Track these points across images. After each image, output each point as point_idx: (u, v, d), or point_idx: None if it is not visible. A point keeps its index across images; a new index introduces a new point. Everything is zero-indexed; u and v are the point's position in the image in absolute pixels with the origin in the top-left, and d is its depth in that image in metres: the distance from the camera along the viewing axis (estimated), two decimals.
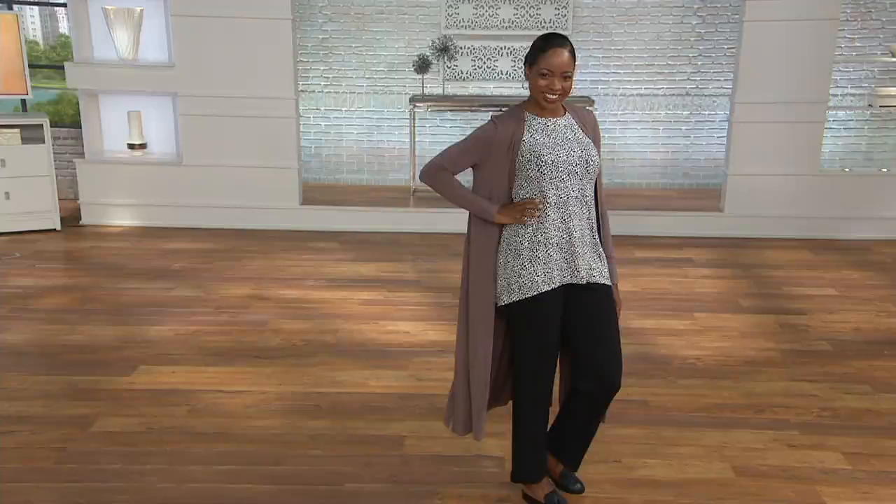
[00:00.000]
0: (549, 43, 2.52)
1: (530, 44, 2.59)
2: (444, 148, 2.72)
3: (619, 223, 6.22)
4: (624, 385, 3.73)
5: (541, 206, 2.57)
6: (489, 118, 2.65)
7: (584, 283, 2.62)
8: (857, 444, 3.25)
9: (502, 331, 2.73)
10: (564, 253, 2.60)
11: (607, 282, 2.67)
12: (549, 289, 2.58)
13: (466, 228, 2.73)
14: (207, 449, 3.19)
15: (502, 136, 2.57)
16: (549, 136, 2.58)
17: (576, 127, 2.64)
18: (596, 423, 2.81)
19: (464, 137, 2.68)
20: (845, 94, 7.09)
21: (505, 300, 2.64)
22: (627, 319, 4.54)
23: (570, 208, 2.58)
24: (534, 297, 2.59)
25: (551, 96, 2.54)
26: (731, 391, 3.71)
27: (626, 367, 3.91)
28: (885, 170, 6.82)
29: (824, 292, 5.07)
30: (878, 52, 6.92)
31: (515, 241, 2.61)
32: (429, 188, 2.77)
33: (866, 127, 7.26)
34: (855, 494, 2.91)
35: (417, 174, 6.92)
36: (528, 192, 2.59)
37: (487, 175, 2.62)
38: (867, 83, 7.08)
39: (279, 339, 4.28)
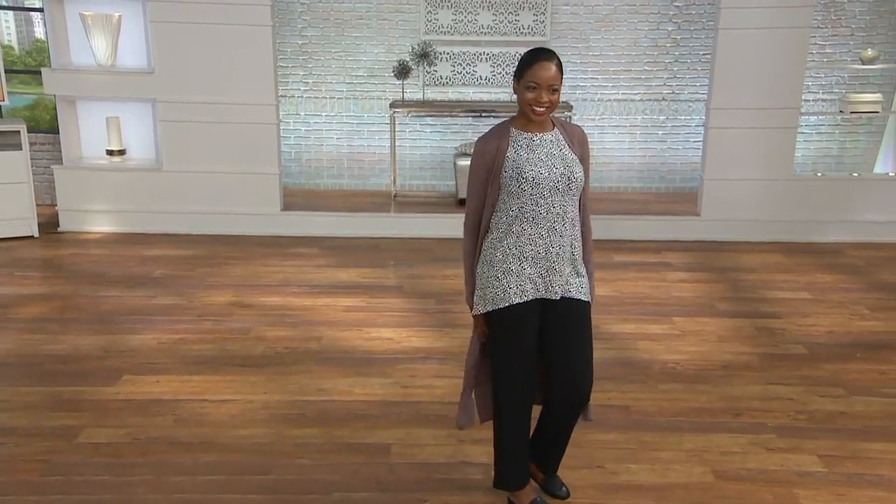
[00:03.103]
0: (536, 57, 2.57)
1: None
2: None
3: (598, 227, 6.25)
4: (605, 390, 3.83)
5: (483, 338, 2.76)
6: (476, 141, 2.72)
7: (558, 298, 2.66)
8: (831, 446, 3.34)
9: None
10: (539, 268, 2.64)
11: (584, 298, 2.71)
12: (520, 301, 2.63)
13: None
14: (194, 459, 3.20)
15: (489, 153, 2.62)
16: (532, 152, 2.62)
17: (563, 142, 2.67)
18: (568, 433, 2.88)
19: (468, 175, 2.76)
20: (817, 100, 7.23)
21: (480, 310, 2.71)
22: (608, 324, 4.63)
23: (550, 224, 2.62)
24: (506, 308, 2.64)
25: (539, 109, 2.58)
26: (710, 395, 3.79)
27: (608, 371, 4.03)
28: (855, 174, 6.97)
29: (798, 296, 5.18)
30: (848, 59, 7.07)
31: (490, 253, 2.67)
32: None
33: (837, 132, 7.41)
34: (830, 496, 3.00)
35: (398, 178, 7.02)
36: (507, 207, 2.63)
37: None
38: (838, 89, 7.22)
39: (263, 346, 4.30)
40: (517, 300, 2.63)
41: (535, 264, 2.64)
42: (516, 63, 2.66)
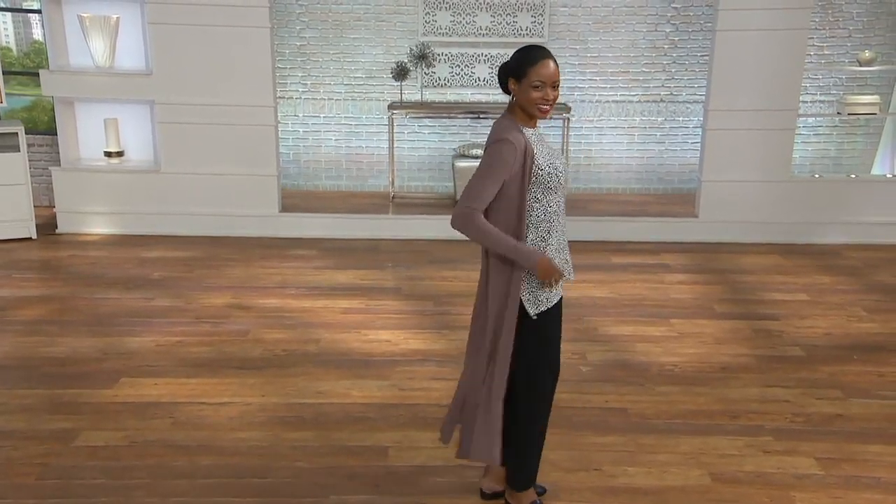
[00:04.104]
0: (538, 55, 2.57)
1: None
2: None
3: (597, 228, 6.37)
4: (603, 392, 3.84)
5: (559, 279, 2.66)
6: (499, 140, 2.57)
7: (573, 278, 2.78)
8: (828, 448, 3.35)
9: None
10: (566, 254, 2.75)
11: None
12: (563, 291, 2.76)
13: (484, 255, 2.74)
14: (192, 462, 3.20)
15: (520, 148, 2.56)
16: (545, 146, 2.67)
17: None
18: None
19: (481, 169, 2.59)
20: (815, 101, 7.24)
21: (533, 312, 2.67)
22: (606, 326, 4.63)
23: (564, 213, 2.73)
24: (558, 302, 2.73)
25: (545, 106, 2.59)
26: (707, 397, 3.79)
27: (606, 374, 4.08)
28: (853, 175, 6.97)
29: (796, 297, 5.18)
30: (846, 61, 7.07)
31: None
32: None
33: (835, 133, 7.41)
34: (827, 499, 3.00)
35: (396, 180, 7.02)
36: (546, 203, 2.63)
37: (501, 195, 2.59)
38: (835, 90, 7.23)
39: (261, 348, 4.30)
40: (563, 291, 2.76)
41: (565, 253, 2.74)
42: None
